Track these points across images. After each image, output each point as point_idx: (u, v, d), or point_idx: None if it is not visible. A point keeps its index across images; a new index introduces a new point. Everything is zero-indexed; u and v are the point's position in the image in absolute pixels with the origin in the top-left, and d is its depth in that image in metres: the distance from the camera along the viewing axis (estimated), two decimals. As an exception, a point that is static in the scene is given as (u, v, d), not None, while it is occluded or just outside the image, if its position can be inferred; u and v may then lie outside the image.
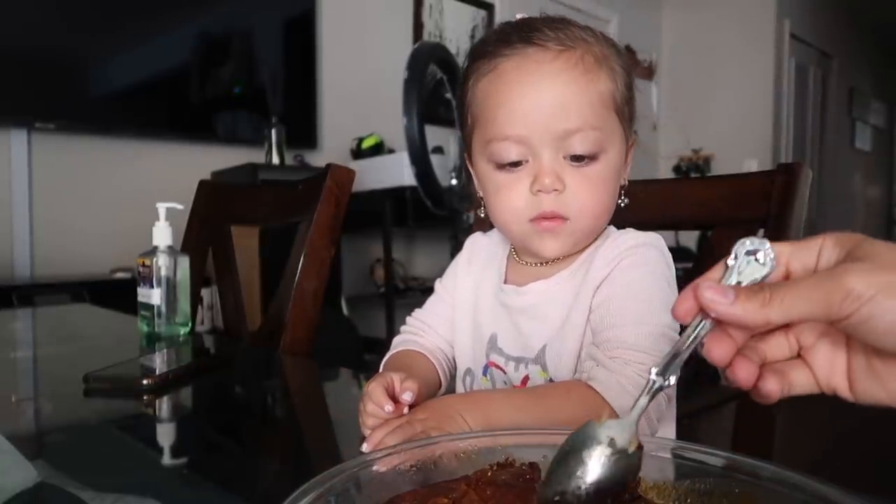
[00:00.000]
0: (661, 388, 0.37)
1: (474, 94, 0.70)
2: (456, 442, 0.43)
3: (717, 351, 0.36)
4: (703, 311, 0.35)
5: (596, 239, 0.72)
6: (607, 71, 0.66)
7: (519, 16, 0.71)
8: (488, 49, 0.68)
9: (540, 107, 0.64)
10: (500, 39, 0.67)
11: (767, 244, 0.36)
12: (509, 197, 0.67)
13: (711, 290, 0.35)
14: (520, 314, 0.72)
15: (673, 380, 0.37)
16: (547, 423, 0.54)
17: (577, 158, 0.65)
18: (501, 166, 0.67)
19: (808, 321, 0.36)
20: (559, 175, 0.65)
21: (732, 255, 0.36)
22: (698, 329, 0.36)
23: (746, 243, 0.36)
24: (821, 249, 0.36)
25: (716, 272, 0.37)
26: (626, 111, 0.69)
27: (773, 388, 0.37)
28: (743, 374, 0.36)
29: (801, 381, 0.38)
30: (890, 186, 7.68)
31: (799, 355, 0.38)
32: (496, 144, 0.66)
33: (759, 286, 0.35)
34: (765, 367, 0.37)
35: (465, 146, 0.75)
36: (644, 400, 0.37)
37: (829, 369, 0.37)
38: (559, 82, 0.64)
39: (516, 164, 0.66)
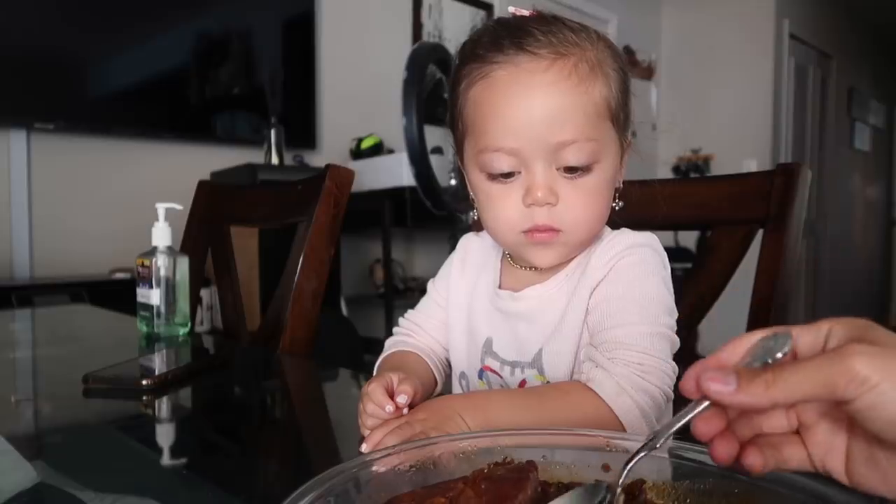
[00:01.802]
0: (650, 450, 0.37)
1: (466, 101, 0.68)
2: (455, 442, 0.43)
3: (703, 429, 0.36)
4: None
5: None
6: (602, 78, 0.65)
7: (511, 9, 0.70)
8: (479, 52, 0.66)
9: (532, 119, 0.63)
10: (492, 43, 0.66)
11: (789, 341, 0.35)
12: (502, 208, 0.66)
13: (714, 381, 0.33)
14: (517, 319, 0.71)
15: (661, 443, 0.37)
16: (546, 424, 0.54)
17: (570, 170, 0.64)
18: (493, 177, 0.66)
19: (813, 401, 0.35)
20: (552, 188, 0.64)
21: (753, 352, 0.36)
22: (700, 408, 0.35)
23: (770, 343, 0.35)
24: (829, 333, 0.36)
25: (729, 353, 0.36)
26: (621, 116, 0.67)
27: (754, 462, 0.36)
28: (720, 451, 0.36)
29: (795, 457, 0.37)
30: (889, 187, 7.68)
31: (797, 431, 0.37)
32: (488, 155, 0.65)
33: (761, 368, 0.34)
34: (753, 442, 0.36)
35: (457, 149, 0.74)
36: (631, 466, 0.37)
37: (825, 450, 0.36)
38: (552, 93, 0.63)
39: (508, 175, 0.65)
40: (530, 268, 0.73)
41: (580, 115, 0.63)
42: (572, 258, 0.70)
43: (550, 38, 0.64)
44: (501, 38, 0.65)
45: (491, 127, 0.65)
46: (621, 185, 0.71)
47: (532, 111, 0.63)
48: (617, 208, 0.70)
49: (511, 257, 0.75)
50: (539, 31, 0.64)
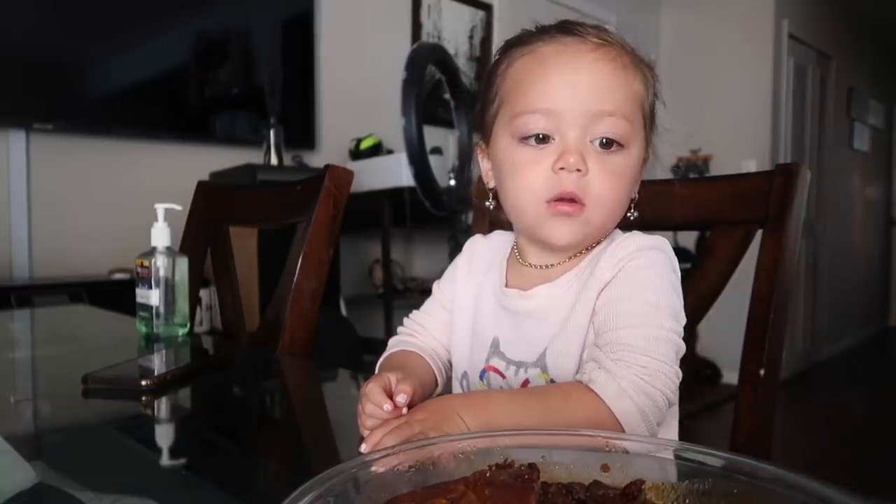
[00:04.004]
0: None
1: (505, 76, 0.70)
2: (455, 443, 0.43)
3: None
4: None
5: (601, 241, 0.71)
6: (640, 76, 0.68)
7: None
8: (524, 39, 0.69)
9: (576, 86, 0.65)
10: (539, 31, 0.69)
11: None
12: (529, 175, 0.66)
13: None
14: (525, 318, 0.71)
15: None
16: (546, 425, 0.54)
17: (603, 144, 0.65)
18: (526, 140, 0.66)
19: None
20: (584, 156, 0.64)
21: None
22: None
23: None
24: None
25: None
26: (650, 120, 0.70)
27: None
28: None
29: None
30: (888, 187, 7.68)
31: None
32: (524, 117, 0.66)
33: None
34: None
35: (483, 132, 0.74)
36: None
37: None
38: (596, 69, 0.65)
39: (542, 139, 0.66)
40: (539, 266, 0.73)
41: (621, 95, 0.66)
42: (582, 255, 0.70)
43: (598, 30, 0.67)
44: (548, 27, 0.69)
45: (531, 91, 0.66)
46: (636, 196, 0.71)
47: (576, 80, 0.65)
48: (631, 217, 0.71)
49: (520, 255, 0.75)
50: (586, 23, 0.68)
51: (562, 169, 0.64)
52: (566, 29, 0.67)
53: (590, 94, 0.64)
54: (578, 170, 0.64)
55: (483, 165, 0.76)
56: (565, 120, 0.65)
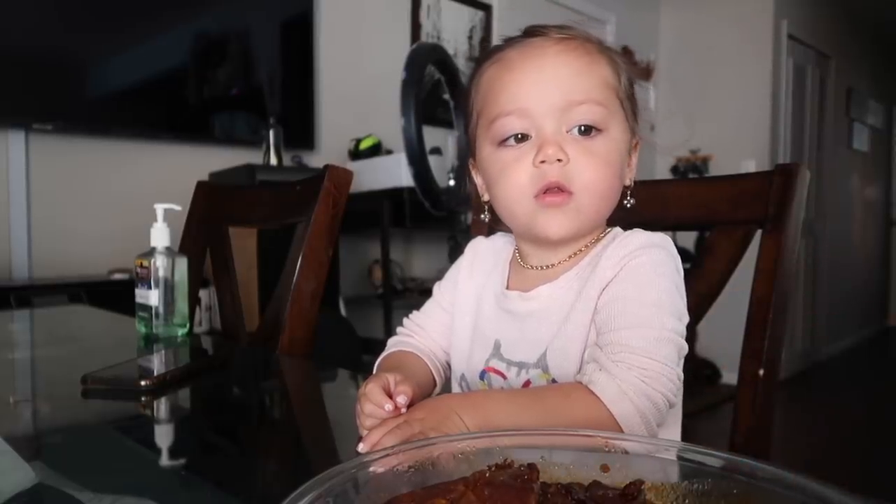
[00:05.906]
0: None
1: (478, 88, 0.72)
2: (454, 443, 0.43)
3: None
4: None
5: (602, 238, 0.71)
6: (608, 60, 0.69)
7: None
8: (492, 51, 0.71)
9: (543, 82, 0.66)
10: (505, 41, 0.71)
11: None
12: (513, 174, 0.67)
13: None
14: (527, 319, 0.71)
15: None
16: (545, 425, 0.54)
17: (580, 131, 0.66)
18: (504, 142, 0.68)
19: None
20: (562, 146, 0.65)
21: None
22: None
23: None
24: None
25: None
26: (627, 104, 0.70)
27: None
28: None
29: None
30: (888, 187, 7.67)
31: None
32: (499, 120, 0.67)
33: None
34: None
35: (470, 148, 0.75)
36: None
37: None
38: (562, 61, 0.66)
39: (520, 139, 0.67)
40: (540, 267, 0.73)
41: (590, 81, 0.67)
42: (583, 253, 0.70)
43: (560, 27, 0.69)
44: (513, 36, 0.71)
45: (503, 95, 0.68)
46: (632, 184, 0.72)
47: (543, 76, 0.66)
48: (628, 206, 0.71)
49: (521, 257, 0.75)
50: (548, 24, 0.70)
51: (542, 162, 0.65)
52: (529, 32, 0.69)
53: (558, 85, 0.66)
54: (559, 160, 0.65)
55: (476, 181, 0.77)
56: (538, 115, 0.66)
